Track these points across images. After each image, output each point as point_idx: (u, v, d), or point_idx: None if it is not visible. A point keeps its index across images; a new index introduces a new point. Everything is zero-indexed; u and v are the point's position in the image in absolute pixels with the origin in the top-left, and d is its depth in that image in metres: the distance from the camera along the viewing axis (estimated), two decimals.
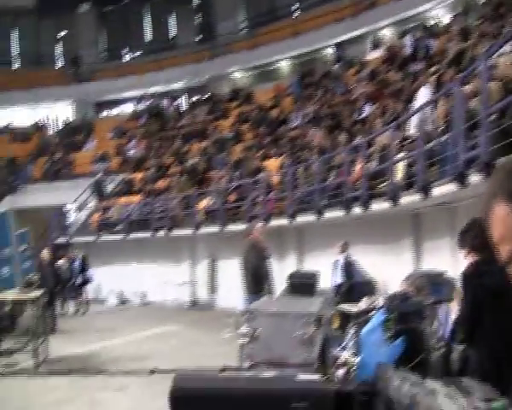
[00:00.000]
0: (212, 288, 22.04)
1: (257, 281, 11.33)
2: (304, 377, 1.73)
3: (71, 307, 22.30)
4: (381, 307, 8.54)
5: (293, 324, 6.89)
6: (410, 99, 15.73)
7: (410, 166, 12.05)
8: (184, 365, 11.29)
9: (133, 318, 20.27)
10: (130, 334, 16.23)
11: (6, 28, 41.37)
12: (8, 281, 12.98)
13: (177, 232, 22.47)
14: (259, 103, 28.45)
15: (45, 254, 18.20)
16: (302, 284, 11.56)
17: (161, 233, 22.97)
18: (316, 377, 1.77)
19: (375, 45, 26.91)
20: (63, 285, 21.54)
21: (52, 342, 13.38)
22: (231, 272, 16.25)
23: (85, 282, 23.13)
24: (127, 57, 40.40)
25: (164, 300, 22.93)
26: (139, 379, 10.65)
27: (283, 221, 16.96)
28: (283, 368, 6.52)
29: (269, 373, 1.78)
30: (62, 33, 39.58)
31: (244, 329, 7.09)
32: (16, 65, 41.58)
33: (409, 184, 11.77)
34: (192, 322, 18.30)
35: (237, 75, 33.89)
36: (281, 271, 15.16)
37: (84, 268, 23.15)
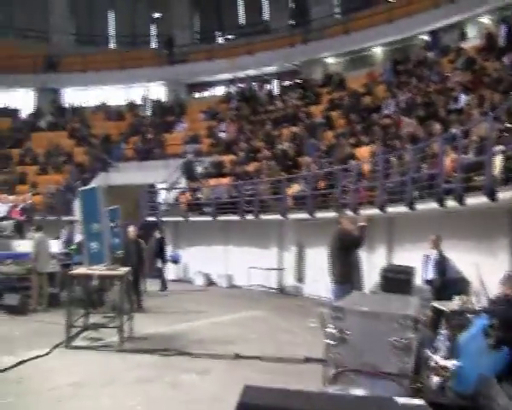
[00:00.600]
0: (299, 275, 21.81)
1: (345, 271, 11.05)
2: (404, 401, 1.44)
3: (153, 286, 22.52)
4: (481, 311, 8.13)
5: (388, 326, 6.07)
6: (509, 90, 15.01)
7: (508, 159, 11.43)
8: (269, 351, 11.15)
9: (219, 301, 20.25)
10: (216, 316, 16.18)
11: (103, 9, 42.25)
12: (96, 256, 13.09)
13: (265, 217, 22.33)
14: (352, 90, 27.92)
15: (131, 231, 18.33)
16: (397, 280, 10.98)
17: (249, 217, 22.88)
18: (420, 403, 1.48)
19: (472, 33, 25.97)
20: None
21: (137, 320, 13.49)
22: (319, 260, 15.99)
23: (164, 262, 23.35)
24: (220, 40, 40.50)
25: (250, 284, 22.88)
26: (223, 363, 10.56)
27: (373, 211, 16.54)
28: (374, 378, 5.90)
29: (358, 391, 1.52)
30: (157, 15, 39.97)
31: (330, 328, 6.41)
32: (112, 45, 42.40)
33: (508, 179, 11.16)
34: (278, 308, 18.12)
35: (330, 60, 33.39)
36: (369, 262, 14.81)
37: (161, 249, 23.32)
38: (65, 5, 41.70)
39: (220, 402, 8.14)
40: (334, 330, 6.30)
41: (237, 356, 10.85)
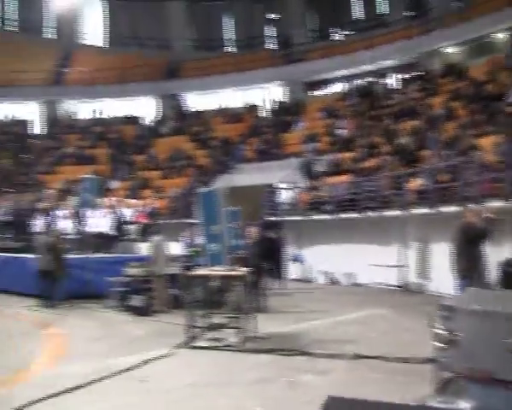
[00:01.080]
0: (423, 272, 21.19)
1: (469, 266, 10.58)
2: None
3: (274, 285, 22.49)
4: None
5: (506, 327, 5.29)
6: None
7: None
8: (390, 351, 10.82)
9: (341, 299, 19.97)
10: (337, 315, 15.91)
11: (219, 14, 42.91)
12: (216, 257, 13.20)
13: (386, 213, 21.88)
14: (473, 79, 26.88)
15: (253, 231, 18.35)
16: None
17: (370, 214, 22.49)
18: None
19: None
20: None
21: (258, 320, 13.47)
22: (443, 255, 15.41)
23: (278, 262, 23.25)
24: (336, 36, 40.13)
25: (372, 282, 22.47)
26: (342, 363, 10.33)
27: (499, 203, 15.77)
28: (490, 387, 5.17)
29: (466, 405, 1.30)
30: (273, 16, 40.10)
31: (439, 329, 5.80)
32: (229, 48, 42.94)
33: None
34: (401, 306, 17.63)
35: (449, 50, 32.36)
36: (494, 257, 14.11)
37: (277, 249, 23.23)
38: (183, 13, 42.71)
39: None
40: (443, 331, 5.72)
41: (357, 356, 10.58)
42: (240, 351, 11.39)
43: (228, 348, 11.68)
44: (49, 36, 46.16)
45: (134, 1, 44.58)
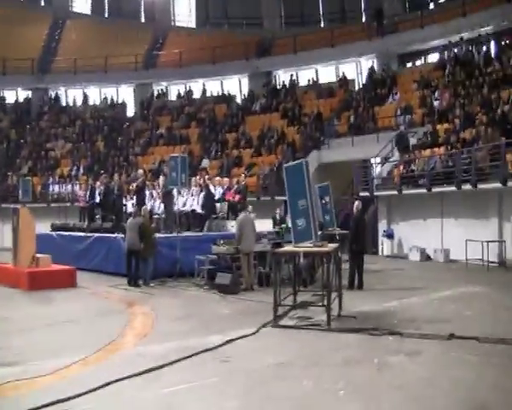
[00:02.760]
0: None
1: None
2: None
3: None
4: None
5: None
6: None
7: None
8: (487, 331, 10.12)
9: (434, 276, 19.21)
10: (430, 293, 15.23)
11: None
12: (303, 233, 12.69)
13: (483, 186, 20.84)
14: None
15: (357, 206, 17.50)
16: None
17: (466, 187, 21.48)
18: None
19: None
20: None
21: (346, 298, 12.96)
22: None
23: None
24: (431, 5, 38.67)
25: (468, 258, 21.42)
26: (435, 344, 9.70)
27: None
28: None
29: None
30: None
31: None
32: (321, 23, 42.24)
33: None
34: (499, 284, 16.71)
35: None
36: None
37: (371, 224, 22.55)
38: None
39: (432, 387, 7.37)
40: None
41: (452, 336, 9.91)
42: (327, 330, 10.93)
43: (315, 327, 11.23)
44: (142, 20, 46.69)
45: None
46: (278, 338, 10.58)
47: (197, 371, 8.54)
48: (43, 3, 46.91)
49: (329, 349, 9.66)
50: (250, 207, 18.29)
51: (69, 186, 33.05)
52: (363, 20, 40.93)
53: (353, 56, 37.11)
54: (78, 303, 15.03)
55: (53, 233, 24.34)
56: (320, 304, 12.14)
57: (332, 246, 12.70)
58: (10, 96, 42.85)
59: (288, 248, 12.90)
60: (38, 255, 17.87)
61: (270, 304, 11.83)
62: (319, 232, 13.33)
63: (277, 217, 22.63)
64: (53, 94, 43.00)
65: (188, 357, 9.14)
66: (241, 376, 8.27)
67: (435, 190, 22.97)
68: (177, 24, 46.38)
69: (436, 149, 25.09)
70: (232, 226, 19.70)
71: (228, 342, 10.10)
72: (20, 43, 40.78)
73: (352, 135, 29.87)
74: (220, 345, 9.90)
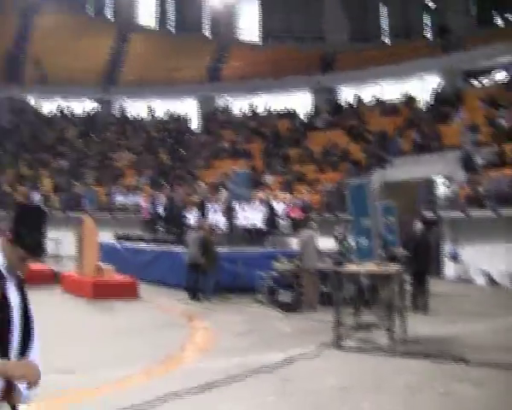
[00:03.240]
0: None
1: None
2: None
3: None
4: None
5: None
6: None
7: None
8: None
9: (501, 302, 18.68)
10: (497, 319, 14.80)
11: (375, 3, 42.05)
12: (365, 252, 12.59)
13: None
14: None
15: (418, 226, 17.28)
16: None
17: None
18: None
19: None
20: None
21: (411, 321, 12.72)
22: None
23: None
24: (499, 21, 37.93)
25: None
26: (502, 373, 9.44)
27: None
28: None
29: None
30: (430, 3, 38.62)
31: None
32: (385, 39, 41.93)
33: None
34: None
35: None
36: None
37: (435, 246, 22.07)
38: (338, 4, 42.18)
39: None
40: None
41: None
42: (389, 354, 10.74)
43: (377, 349, 11.07)
44: (206, 33, 47.21)
45: None
46: (339, 359, 10.48)
47: (256, 389, 8.53)
48: (109, 16, 47.90)
49: (391, 374, 9.50)
50: (315, 225, 18.21)
51: (133, 197, 33.47)
52: (428, 35, 40.43)
53: (418, 73, 36.62)
54: (140, 315, 15.19)
55: (116, 244, 24.66)
56: (383, 326, 11.96)
57: (395, 267, 12.52)
58: (77, 108, 43.78)
59: (350, 267, 12.77)
60: (103, 265, 18.13)
61: (331, 324, 11.72)
62: (382, 252, 13.19)
63: (338, 235, 22.44)
64: (118, 106, 43.75)
65: (247, 374, 9.13)
66: (299, 396, 8.23)
67: (503, 212, 22.42)
68: (241, 38, 46.69)
69: (503, 170, 24.53)
70: (294, 243, 19.60)
71: (288, 360, 10.06)
72: (87, 55, 41.69)
73: (416, 153, 29.45)
74: (280, 364, 9.86)
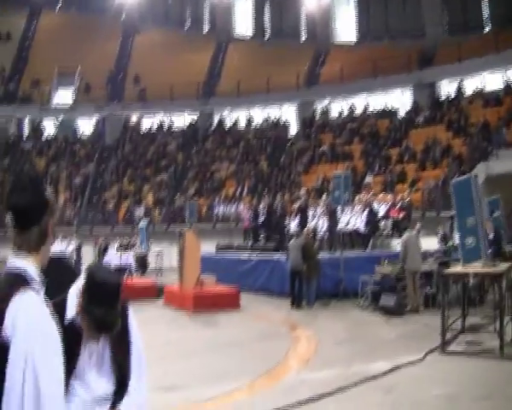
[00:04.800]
0: None
1: None
2: None
3: None
4: None
5: None
6: None
7: None
8: None
9: None
10: None
11: None
12: (472, 252, 11.99)
13: None
14: None
15: None
16: None
17: None
18: None
19: None
20: None
21: None
22: None
23: None
24: None
25: None
26: None
27: None
28: None
29: None
30: None
31: None
32: (486, 29, 40.51)
33: None
34: None
35: None
36: None
37: None
38: None
39: None
40: None
41: None
42: (500, 358, 10.15)
43: (487, 353, 10.50)
44: (303, 38, 47.10)
45: None
46: (446, 366, 10.01)
47: (360, 402, 8.28)
48: (206, 30, 48.59)
49: (502, 380, 9.01)
50: (418, 225, 17.70)
51: (234, 207, 33.70)
52: None
53: None
54: (242, 326, 15.11)
55: (217, 255, 24.85)
56: (492, 328, 11.37)
57: (504, 265, 11.89)
58: (178, 121, 44.61)
59: (456, 268, 12.24)
60: (203, 277, 18.21)
61: (437, 328, 11.26)
62: (489, 250, 12.58)
63: (442, 233, 21.75)
64: (218, 116, 44.24)
65: (351, 386, 8.84)
66: (405, 408, 7.84)
67: None
68: (338, 40, 46.26)
69: None
70: (396, 245, 19.11)
71: (393, 369, 9.69)
72: (185, 69, 42.40)
73: None
74: (385, 373, 9.51)
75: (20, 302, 2.37)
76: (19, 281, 2.43)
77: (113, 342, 3.14)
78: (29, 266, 2.49)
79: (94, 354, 3.13)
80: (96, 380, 3.14)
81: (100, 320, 2.95)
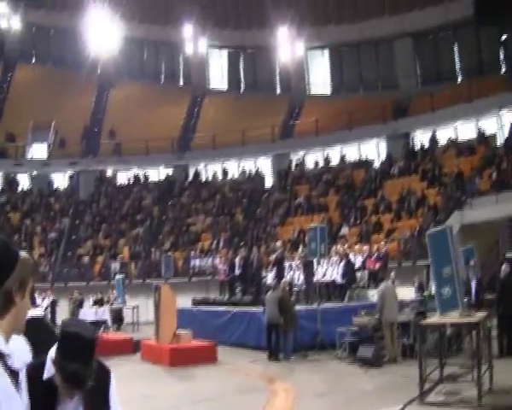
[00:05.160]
0: None
1: None
2: None
3: None
4: None
5: None
6: None
7: None
8: None
9: None
10: None
11: (447, 44, 41.57)
12: (448, 302, 11.97)
13: None
14: None
15: (504, 269, 16.50)
16: None
17: None
18: None
19: None
20: None
21: (497, 369, 11.92)
22: None
23: None
24: None
25: None
26: None
27: None
28: None
29: None
30: (504, 37, 37.75)
31: None
32: (458, 79, 41.21)
33: None
34: None
35: None
36: None
37: None
38: (409, 49, 42.02)
39: None
40: None
41: None
42: (477, 408, 10.06)
43: (464, 403, 10.42)
44: (278, 91, 47.59)
45: (357, 46, 44.63)
46: None
47: None
48: (181, 83, 48.95)
49: None
50: (393, 274, 17.71)
51: (210, 260, 33.56)
52: (503, 70, 39.39)
53: (493, 110, 35.64)
54: (219, 380, 14.92)
55: (193, 308, 24.63)
56: (470, 378, 11.29)
57: (480, 315, 11.88)
58: (153, 174, 44.58)
59: (433, 319, 12.23)
60: (179, 331, 18.02)
61: (415, 378, 11.15)
62: (465, 299, 12.59)
63: (418, 283, 21.80)
64: (193, 170, 44.28)
65: None
66: None
67: None
68: (313, 92, 46.76)
69: None
70: (373, 295, 19.07)
71: None
72: (161, 122, 42.57)
73: (495, 192, 28.51)
74: None
75: None
76: None
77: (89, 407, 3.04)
78: None
79: None
80: None
81: (72, 375, 2.86)
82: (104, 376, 3.12)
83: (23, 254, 2.63)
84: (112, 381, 3.17)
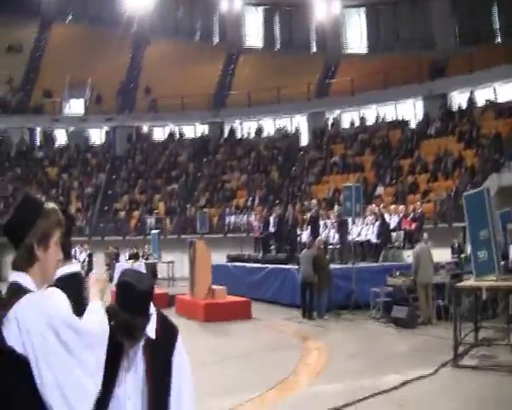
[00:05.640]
0: None
1: None
2: None
3: None
4: None
5: None
6: None
7: None
8: None
9: None
10: None
11: (486, 4, 40.73)
12: (485, 265, 11.90)
13: None
14: None
15: None
16: None
17: None
18: None
19: None
20: None
21: None
22: None
23: None
24: None
25: None
26: None
27: None
28: None
29: None
30: None
31: None
32: (497, 39, 40.42)
33: None
34: None
35: None
36: None
37: None
38: (447, 8, 41.13)
39: None
40: None
41: None
42: None
43: (499, 368, 10.40)
44: (314, 49, 47.08)
45: (395, 4, 43.87)
46: (458, 380, 9.92)
47: None
48: (216, 41, 48.72)
49: None
50: (426, 235, 17.60)
51: (245, 217, 33.65)
52: None
53: None
54: (252, 337, 15.08)
55: (228, 264, 24.80)
56: (505, 342, 11.28)
57: None
58: (188, 132, 44.70)
59: (469, 282, 12.16)
60: (214, 287, 18.20)
61: (449, 340, 11.19)
62: (502, 263, 12.48)
63: (456, 245, 21.64)
64: (228, 127, 44.30)
65: (362, 399, 8.77)
66: None
67: None
68: (349, 51, 46.20)
69: None
70: (408, 256, 19.01)
71: (404, 383, 9.61)
72: (196, 80, 42.47)
73: None
74: (396, 387, 9.43)
75: (19, 306, 2.43)
76: (16, 291, 2.49)
77: (150, 374, 3.08)
78: (25, 279, 2.53)
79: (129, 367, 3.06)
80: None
81: (122, 325, 2.91)
82: (169, 332, 3.19)
83: (50, 205, 2.69)
84: (178, 338, 3.20)
